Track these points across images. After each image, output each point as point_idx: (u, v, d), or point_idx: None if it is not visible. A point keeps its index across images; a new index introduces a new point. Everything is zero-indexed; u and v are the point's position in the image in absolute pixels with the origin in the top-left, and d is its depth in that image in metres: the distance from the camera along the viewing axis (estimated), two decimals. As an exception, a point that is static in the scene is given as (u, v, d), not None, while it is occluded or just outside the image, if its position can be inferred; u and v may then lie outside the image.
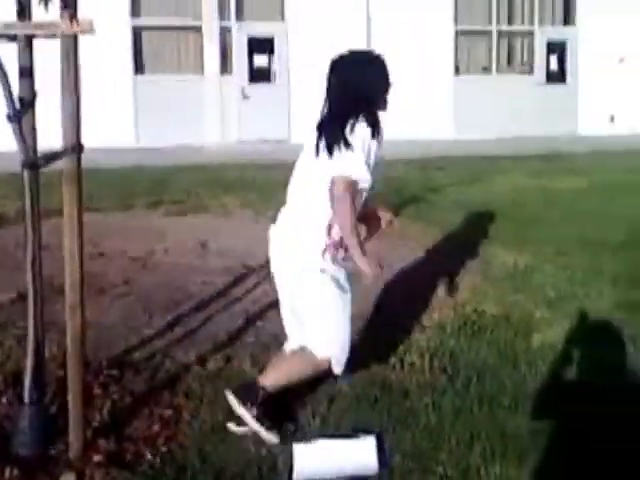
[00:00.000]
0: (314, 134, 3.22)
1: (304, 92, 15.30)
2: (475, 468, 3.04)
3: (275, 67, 16.87)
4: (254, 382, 3.33)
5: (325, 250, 3.19)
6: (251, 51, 16.67)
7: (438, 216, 7.99)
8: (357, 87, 3.22)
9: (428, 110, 16.92)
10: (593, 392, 3.62)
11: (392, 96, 3.30)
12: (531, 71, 18.71)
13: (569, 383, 3.87)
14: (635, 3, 17.98)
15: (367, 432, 2.84)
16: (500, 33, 18.42)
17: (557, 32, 18.75)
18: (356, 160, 3.09)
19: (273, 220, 3.38)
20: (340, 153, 3.09)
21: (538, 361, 4.09)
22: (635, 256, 6.32)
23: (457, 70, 18.17)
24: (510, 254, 6.33)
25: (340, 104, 3.22)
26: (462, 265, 5.95)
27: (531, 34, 18.63)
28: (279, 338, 3.73)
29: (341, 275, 3.26)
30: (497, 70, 18.48)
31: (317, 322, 3.25)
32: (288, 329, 3.46)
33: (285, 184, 3.36)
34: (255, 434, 3.22)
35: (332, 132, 3.13)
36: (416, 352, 4.19)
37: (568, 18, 18.85)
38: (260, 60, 16.83)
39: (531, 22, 18.56)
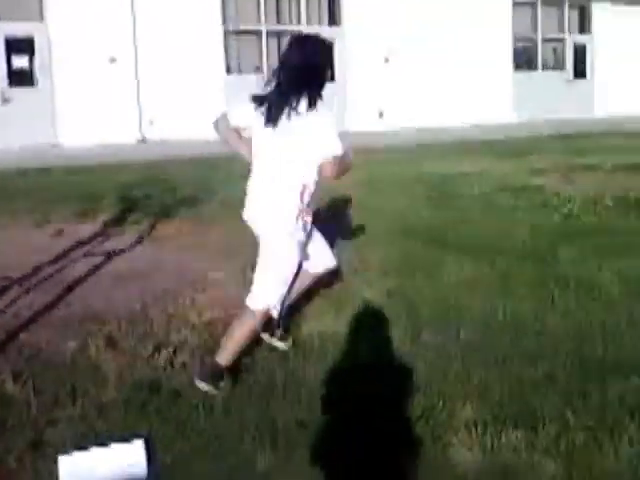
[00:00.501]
0: (257, 107, 3.66)
1: (68, 94, 14.95)
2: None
3: (36, 69, 16.11)
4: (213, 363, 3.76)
5: (298, 216, 3.67)
6: (9, 53, 15.82)
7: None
8: (318, 66, 3.73)
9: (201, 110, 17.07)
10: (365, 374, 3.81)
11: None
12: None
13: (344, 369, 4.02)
14: (400, 4, 19.27)
15: (136, 436, 2.79)
16: (268, 33, 18.88)
17: (324, 32, 19.52)
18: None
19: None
20: (320, 119, 3.61)
21: (306, 350, 4.22)
22: (400, 242, 6.72)
23: (229, 70, 18.40)
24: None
25: (300, 78, 3.61)
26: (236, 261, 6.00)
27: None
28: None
29: (301, 240, 3.76)
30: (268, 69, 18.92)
31: (270, 273, 3.77)
32: None
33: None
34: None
35: (295, 101, 3.58)
36: (187, 351, 4.18)
37: (334, 18, 19.71)
38: (19, 62, 16.01)
39: (298, 22, 19.18)
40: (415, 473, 3.07)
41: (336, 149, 3.60)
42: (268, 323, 4.08)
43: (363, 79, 19.44)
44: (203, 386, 3.67)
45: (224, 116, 3.87)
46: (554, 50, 24.52)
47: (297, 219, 3.69)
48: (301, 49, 3.72)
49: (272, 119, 3.62)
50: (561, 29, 24.11)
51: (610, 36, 24.01)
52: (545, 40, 23.80)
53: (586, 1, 23.96)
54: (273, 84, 3.68)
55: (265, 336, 4.19)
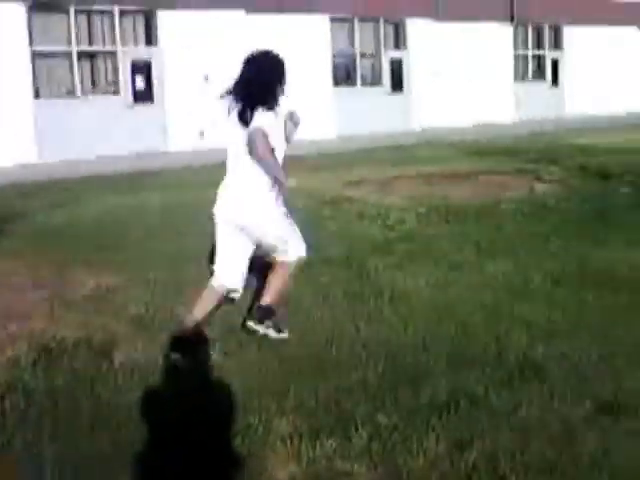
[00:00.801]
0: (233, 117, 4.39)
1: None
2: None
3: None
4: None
5: (276, 198, 4.42)
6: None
7: (18, 244, 7.62)
8: (269, 80, 4.41)
9: (7, 135, 16.39)
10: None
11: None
12: (117, 91, 18.91)
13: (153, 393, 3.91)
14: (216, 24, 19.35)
15: None
16: (80, 54, 18.32)
17: (141, 52, 19.25)
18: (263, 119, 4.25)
19: None
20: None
21: (118, 378, 4.07)
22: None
23: (37, 94, 17.69)
24: (93, 276, 6.20)
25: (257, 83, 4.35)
26: (41, 292, 5.73)
27: (114, 54, 18.81)
28: None
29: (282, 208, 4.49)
30: (82, 92, 18.32)
31: (286, 234, 4.48)
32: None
33: None
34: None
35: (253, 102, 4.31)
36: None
37: (151, 38, 19.45)
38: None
39: (113, 42, 18.74)
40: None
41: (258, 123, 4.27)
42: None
43: (182, 98, 19.29)
44: (263, 328, 4.58)
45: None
46: (372, 65, 25.43)
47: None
48: (254, 65, 4.45)
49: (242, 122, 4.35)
50: (377, 44, 24.99)
51: (425, 51, 25.27)
52: (363, 56, 24.61)
53: (400, 17, 25.05)
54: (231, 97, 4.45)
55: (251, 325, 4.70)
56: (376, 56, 25.06)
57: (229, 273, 4.51)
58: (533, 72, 30.07)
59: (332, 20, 23.12)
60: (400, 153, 16.64)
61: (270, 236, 4.49)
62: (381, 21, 24.76)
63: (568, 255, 6.45)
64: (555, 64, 30.51)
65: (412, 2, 24.72)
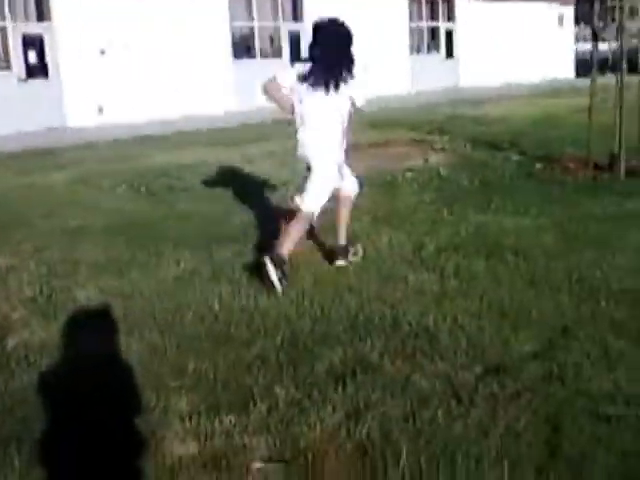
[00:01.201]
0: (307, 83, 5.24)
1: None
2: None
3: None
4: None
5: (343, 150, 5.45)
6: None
7: None
8: (347, 42, 5.29)
9: None
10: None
11: None
12: (9, 67, 18.19)
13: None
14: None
15: None
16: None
17: (32, 27, 18.55)
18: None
19: None
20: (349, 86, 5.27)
21: (11, 363, 4.00)
22: (113, 240, 6.57)
23: None
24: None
25: (333, 54, 5.23)
26: None
27: (4, 30, 18.08)
28: None
29: (339, 164, 5.47)
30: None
31: (317, 188, 5.34)
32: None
33: None
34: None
35: (336, 72, 5.23)
36: None
37: (43, 13, 18.76)
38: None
39: (3, 18, 17.99)
40: (134, 470, 3.02)
41: (362, 97, 5.42)
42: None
43: (79, 74, 18.75)
44: (275, 272, 5.04)
45: (274, 79, 5.38)
46: (271, 38, 25.27)
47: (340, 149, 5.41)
48: (330, 31, 5.29)
49: (324, 87, 5.21)
50: (276, 17, 24.87)
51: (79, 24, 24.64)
52: (262, 28, 24.44)
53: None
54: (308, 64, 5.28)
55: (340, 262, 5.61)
56: (275, 29, 24.97)
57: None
58: (428, 44, 30.58)
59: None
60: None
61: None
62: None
63: (460, 223, 6.66)
64: (450, 36, 31.12)
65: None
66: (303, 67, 5.28)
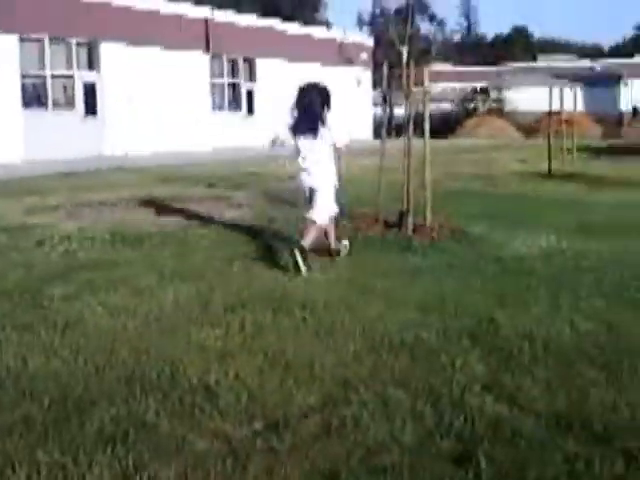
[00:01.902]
0: (298, 132, 7.22)
1: None
2: None
3: None
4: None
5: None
6: None
7: None
8: (323, 98, 7.20)
9: None
10: None
11: None
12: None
13: None
14: None
15: None
16: None
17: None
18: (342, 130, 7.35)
19: None
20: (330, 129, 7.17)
21: None
22: None
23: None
24: None
25: (315, 107, 7.15)
26: None
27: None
28: None
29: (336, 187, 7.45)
30: None
31: (324, 206, 7.33)
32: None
33: None
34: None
35: (318, 122, 7.11)
36: None
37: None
38: None
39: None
40: None
41: (343, 139, 7.37)
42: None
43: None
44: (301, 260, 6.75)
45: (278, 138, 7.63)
46: (64, 88, 24.48)
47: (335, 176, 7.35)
48: (313, 92, 7.25)
49: (312, 134, 7.13)
50: (70, 66, 24.16)
51: (120, 74, 24.93)
52: (55, 77, 23.62)
53: (94, 39, 24.46)
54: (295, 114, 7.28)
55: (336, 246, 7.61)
56: (69, 78, 24.26)
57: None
58: (229, 101, 30.98)
59: (21, 40, 22.01)
60: (91, 179, 16.15)
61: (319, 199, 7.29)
62: (74, 42, 24.06)
63: (250, 279, 6.59)
64: (250, 94, 31.71)
65: (105, 24, 24.31)
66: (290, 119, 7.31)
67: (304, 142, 7.18)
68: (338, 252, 7.54)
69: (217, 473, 3.12)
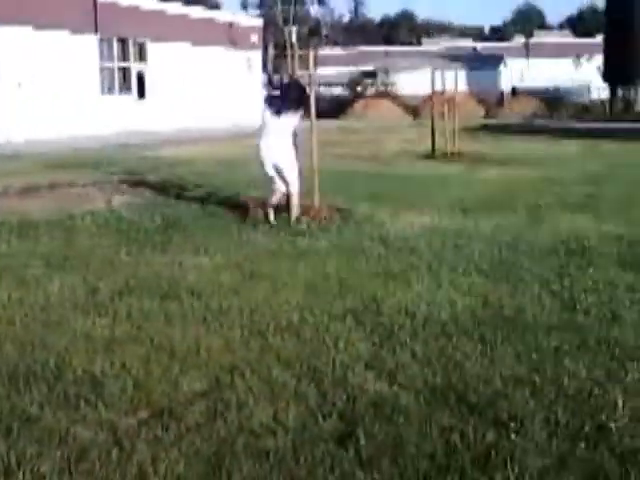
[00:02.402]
0: (269, 107, 8.74)
1: None
2: None
3: None
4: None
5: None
6: None
7: None
8: (299, 91, 8.95)
9: None
10: None
11: None
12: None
13: None
14: None
15: None
16: None
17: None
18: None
19: None
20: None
21: None
22: None
23: None
24: None
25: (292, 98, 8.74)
26: None
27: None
28: None
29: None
30: None
31: (294, 176, 8.76)
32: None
33: None
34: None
35: (289, 106, 8.66)
36: None
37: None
38: None
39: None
40: None
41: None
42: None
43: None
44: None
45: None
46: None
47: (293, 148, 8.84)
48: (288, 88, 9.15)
49: (277, 114, 8.59)
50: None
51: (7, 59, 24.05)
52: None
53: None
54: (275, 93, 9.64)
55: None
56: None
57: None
58: (120, 85, 30.23)
59: None
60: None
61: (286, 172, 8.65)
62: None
63: (137, 265, 6.55)
64: (141, 77, 31.02)
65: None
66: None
67: (271, 120, 8.58)
68: (267, 216, 8.66)
69: (102, 464, 3.13)
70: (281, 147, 8.60)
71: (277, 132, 8.57)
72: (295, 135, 8.93)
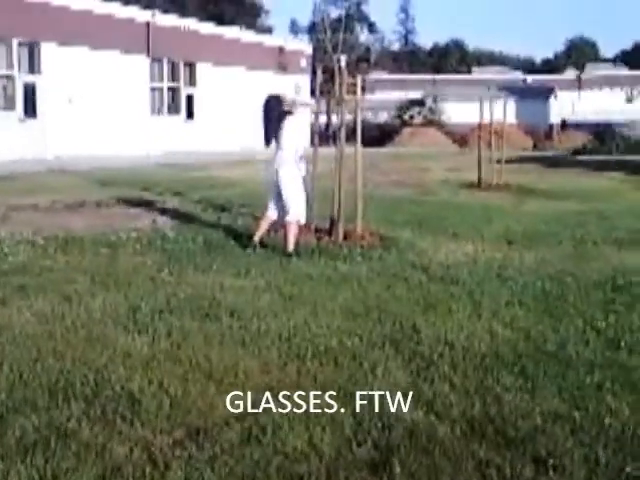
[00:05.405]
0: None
1: None
2: None
3: None
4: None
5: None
6: None
7: None
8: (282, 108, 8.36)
9: None
10: None
11: None
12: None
13: None
14: None
15: None
16: None
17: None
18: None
19: None
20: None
21: None
22: None
23: None
24: None
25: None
26: None
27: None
28: None
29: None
30: None
31: (297, 201, 8.29)
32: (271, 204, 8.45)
33: None
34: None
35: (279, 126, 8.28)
36: None
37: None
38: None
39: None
40: None
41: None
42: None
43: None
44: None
45: None
46: (4, 89, 23.97)
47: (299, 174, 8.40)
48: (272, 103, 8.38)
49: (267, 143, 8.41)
50: (10, 66, 23.65)
51: (60, 77, 24.56)
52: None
53: (35, 40, 24.07)
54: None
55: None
56: (9, 79, 23.81)
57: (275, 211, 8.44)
58: (169, 106, 30.69)
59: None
60: (29, 181, 15.87)
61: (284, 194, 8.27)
62: (15, 42, 23.61)
63: (179, 285, 6.59)
64: (190, 99, 31.49)
65: (46, 25, 23.92)
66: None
67: (273, 145, 8.36)
68: (290, 254, 8.03)
69: (135, 480, 3.14)
70: (283, 173, 8.22)
71: (277, 159, 8.27)
72: (301, 158, 8.39)
